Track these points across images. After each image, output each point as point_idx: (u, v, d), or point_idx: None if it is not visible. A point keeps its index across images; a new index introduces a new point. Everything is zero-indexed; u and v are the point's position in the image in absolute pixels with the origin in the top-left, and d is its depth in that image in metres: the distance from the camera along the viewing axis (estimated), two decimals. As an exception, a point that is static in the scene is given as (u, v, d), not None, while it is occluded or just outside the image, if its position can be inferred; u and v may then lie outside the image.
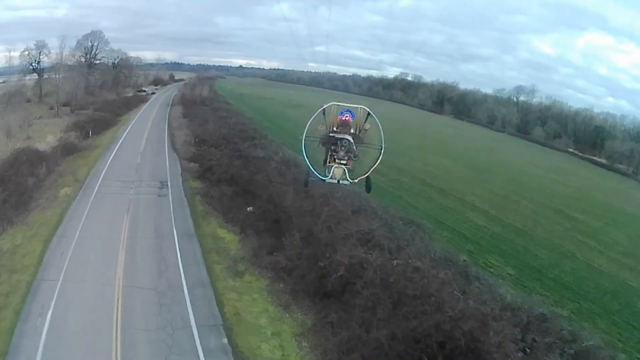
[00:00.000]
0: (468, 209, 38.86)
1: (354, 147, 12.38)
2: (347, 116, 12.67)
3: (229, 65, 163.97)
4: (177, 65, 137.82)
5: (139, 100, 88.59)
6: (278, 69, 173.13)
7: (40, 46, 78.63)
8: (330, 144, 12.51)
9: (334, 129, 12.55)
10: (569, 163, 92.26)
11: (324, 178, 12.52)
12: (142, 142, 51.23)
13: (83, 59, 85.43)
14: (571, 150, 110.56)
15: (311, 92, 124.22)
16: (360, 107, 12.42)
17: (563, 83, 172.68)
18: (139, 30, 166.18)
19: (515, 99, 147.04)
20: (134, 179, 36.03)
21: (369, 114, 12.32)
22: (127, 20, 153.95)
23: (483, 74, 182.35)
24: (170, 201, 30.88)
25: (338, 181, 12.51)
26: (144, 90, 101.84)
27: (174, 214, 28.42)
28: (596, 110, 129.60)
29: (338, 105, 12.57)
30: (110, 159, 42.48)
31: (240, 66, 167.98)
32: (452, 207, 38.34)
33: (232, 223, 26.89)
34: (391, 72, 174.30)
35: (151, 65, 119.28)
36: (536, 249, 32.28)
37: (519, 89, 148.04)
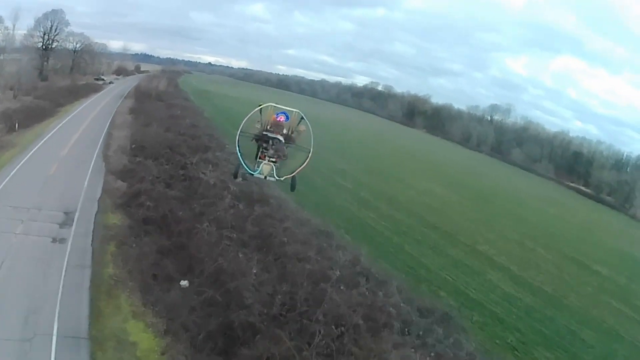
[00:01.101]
0: (487, 265, 30.70)
1: (284, 147, 12.64)
2: (281, 117, 12.80)
3: (198, 61, 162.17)
4: (146, 57, 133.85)
5: (91, 89, 80.00)
6: (246, 69, 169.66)
7: (-6, 22, 70.79)
8: (263, 141, 12.72)
9: (268, 127, 12.69)
10: (557, 192, 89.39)
11: (252, 172, 12.57)
12: (69, 144, 41.47)
13: (41, 40, 78.67)
14: (551, 176, 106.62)
15: (279, 95, 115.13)
16: (295, 111, 12.79)
17: (532, 103, 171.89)
18: (115, 18, 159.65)
19: (489, 118, 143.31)
20: (32, 203, 25.14)
21: (302, 117, 12.60)
22: (102, 6, 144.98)
23: (452, 88, 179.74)
24: (67, 254, 19.65)
25: (265, 177, 12.60)
26: (102, 79, 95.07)
27: (64, 285, 17.20)
28: (570, 134, 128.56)
29: (275, 106, 12.77)
30: (19, 166, 32.25)
31: (209, 63, 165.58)
32: (467, 263, 29.66)
33: (153, 310, 15.92)
34: (359, 81, 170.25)
35: (119, 54, 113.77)
36: (580, 328, 26.46)
37: (494, 108, 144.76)
